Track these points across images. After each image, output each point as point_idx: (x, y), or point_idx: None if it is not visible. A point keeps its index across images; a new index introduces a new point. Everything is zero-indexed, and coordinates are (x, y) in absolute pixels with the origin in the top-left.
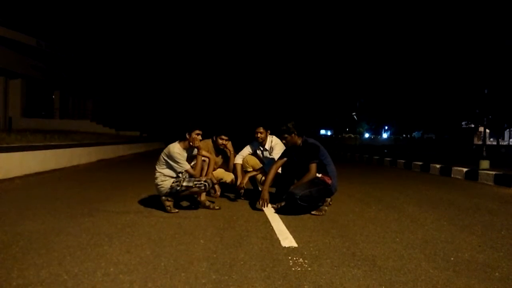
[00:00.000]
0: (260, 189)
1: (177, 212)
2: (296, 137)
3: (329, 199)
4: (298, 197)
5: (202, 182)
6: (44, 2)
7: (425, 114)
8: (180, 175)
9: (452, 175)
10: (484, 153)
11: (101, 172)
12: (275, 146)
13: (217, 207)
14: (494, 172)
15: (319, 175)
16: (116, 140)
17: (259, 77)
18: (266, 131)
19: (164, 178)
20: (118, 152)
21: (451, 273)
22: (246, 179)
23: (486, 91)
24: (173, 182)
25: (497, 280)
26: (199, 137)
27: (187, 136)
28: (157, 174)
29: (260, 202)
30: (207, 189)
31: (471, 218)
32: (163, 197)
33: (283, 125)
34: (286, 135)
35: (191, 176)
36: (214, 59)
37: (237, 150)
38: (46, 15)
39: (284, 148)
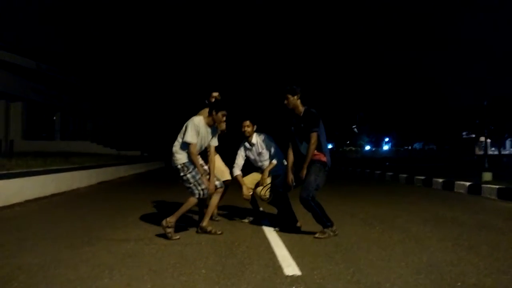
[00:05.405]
0: (261, 209)
1: (178, 238)
2: (299, 101)
3: (334, 228)
4: (310, 198)
5: (201, 188)
6: (43, 24)
7: (425, 125)
8: (191, 167)
9: (455, 190)
10: (486, 165)
11: (101, 195)
12: (262, 140)
13: (219, 232)
14: (497, 186)
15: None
16: (116, 162)
17: (259, 92)
18: (253, 125)
19: (181, 151)
20: (118, 174)
21: None
22: (250, 197)
23: (485, 103)
24: (185, 162)
25: None
26: (224, 118)
27: (214, 113)
28: (176, 143)
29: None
30: (201, 197)
31: (476, 237)
32: (164, 223)
33: (288, 86)
34: (288, 95)
35: (192, 164)
36: (214, 79)
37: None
38: (46, 38)
39: (271, 140)
